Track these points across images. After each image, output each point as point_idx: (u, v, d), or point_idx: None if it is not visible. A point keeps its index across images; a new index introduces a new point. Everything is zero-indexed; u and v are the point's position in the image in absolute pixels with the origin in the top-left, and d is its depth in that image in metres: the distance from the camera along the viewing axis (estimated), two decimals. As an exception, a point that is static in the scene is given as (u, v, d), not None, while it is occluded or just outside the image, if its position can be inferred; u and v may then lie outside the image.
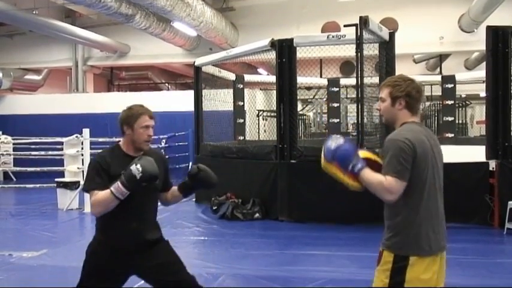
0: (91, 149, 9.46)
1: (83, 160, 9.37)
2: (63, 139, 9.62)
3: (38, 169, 10.30)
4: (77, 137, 9.39)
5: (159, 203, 3.08)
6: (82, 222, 8.31)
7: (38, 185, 9.94)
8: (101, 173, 2.75)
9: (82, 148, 9.32)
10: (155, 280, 2.89)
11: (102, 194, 2.67)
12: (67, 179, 9.38)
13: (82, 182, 9.15)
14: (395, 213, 2.44)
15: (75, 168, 9.41)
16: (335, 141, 2.50)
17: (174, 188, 3.05)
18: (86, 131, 9.21)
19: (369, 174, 2.41)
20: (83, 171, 9.29)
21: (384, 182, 2.35)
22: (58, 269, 5.39)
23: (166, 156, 13.45)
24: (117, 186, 2.62)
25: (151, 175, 2.61)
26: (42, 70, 17.24)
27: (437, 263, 2.43)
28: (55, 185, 9.29)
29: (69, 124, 12.32)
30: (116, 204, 2.66)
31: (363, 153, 2.56)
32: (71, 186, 9.14)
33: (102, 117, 13.93)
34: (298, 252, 5.94)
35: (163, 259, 2.88)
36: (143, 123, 2.82)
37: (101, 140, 10.70)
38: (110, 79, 19.63)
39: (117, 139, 11.88)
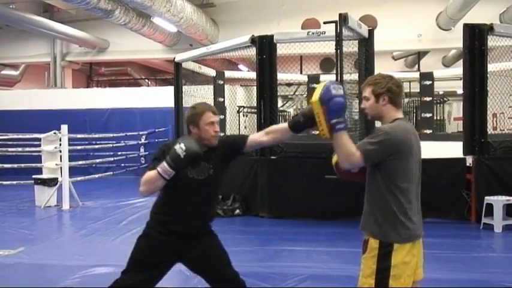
0: (69, 145, 9.36)
1: (61, 157, 9.27)
2: (41, 135, 9.48)
3: (15, 166, 10.14)
4: (55, 133, 9.27)
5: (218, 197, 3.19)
6: (60, 220, 8.22)
7: (15, 182, 9.79)
8: (161, 158, 2.78)
9: (60, 144, 9.20)
10: (199, 270, 3.02)
11: (149, 173, 2.75)
12: (45, 175, 9.25)
13: (60, 179, 9.07)
14: (381, 201, 2.59)
15: (53, 164, 9.29)
16: (336, 89, 2.52)
17: (283, 125, 2.92)
18: (64, 127, 9.10)
19: (344, 139, 2.51)
20: (61, 168, 9.19)
21: (352, 153, 2.49)
22: (35, 267, 5.31)
23: (146, 153, 13.39)
24: (163, 165, 2.69)
25: (195, 153, 2.65)
26: (20, 65, 16.99)
27: (416, 247, 2.61)
28: (32, 181, 9.17)
29: (47, 120, 12.14)
30: (162, 184, 2.74)
31: None
32: (49, 183, 9.04)
33: (81, 113, 13.79)
34: (279, 248, 5.96)
35: (210, 251, 3.00)
36: (208, 119, 2.89)
37: (79, 136, 10.59)
38: (89, 75, 19.42)
39: (96, 135, 11.73)
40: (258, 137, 3.05)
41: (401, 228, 2.56)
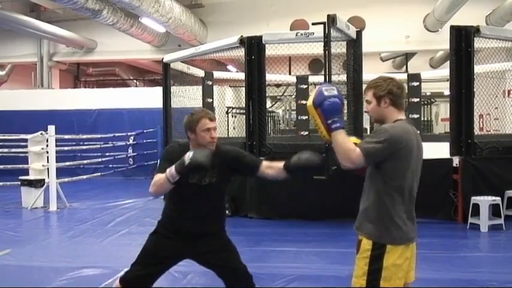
0: (56, 146, 9.29)
1: (48, 158, 9.20)
2: (28, 136, 9.40)
3: (1, 167, 10.04)
4: (41, 134, 9.20)
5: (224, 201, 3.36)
6: (47, 221, 8.15)
7: (1, 183, 9.69)
8: (168, 160, 2.99)
9: (47, 145, 9.13)
10: (208, 264, 3.17)
11: (159, 177, 2.92)
12: (32, 176, 9.17)
13: (47, 180, 9.00)
14: (376, 202, 2.61)
15: (40, 165, 9.22)
16: (329, 90, 2.59)
17: (280, 165, 3.13)
18: (52, 128, 9.03)
19: (342, 137, 2.54)
20: (48, 169, 9.12)
21: (352, 151, 2.50)
22: (22, 269, 5.27)
23: (135, 153, 13.32)
24: (171, 169, 2.85)
25: (198, 164, 2.78)
26: (6, 65, 16.83)
27: (409, 249, 2.65)
28: (19, 183, 9.09)
29: (33, 121, 12.06)
30: (169, 187, 2.90)
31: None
32: (36, 184, 8.96)
33: (68, 114, 13.70)
34: (268, 249, 5.97)
35: (219, 246, 3.15)
36: (204, 126, 3.00)
37: (66, 137, 10.51)
38: (77, 75, 19.29)
39: (84, 136, 11.64)
40: (264, 167, 3.21)
41: (395, 229, 2.57)
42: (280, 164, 3.11)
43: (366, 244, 2.60)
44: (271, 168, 3.19)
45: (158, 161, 3.12)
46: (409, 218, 2.63)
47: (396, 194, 2.58)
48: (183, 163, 2.80)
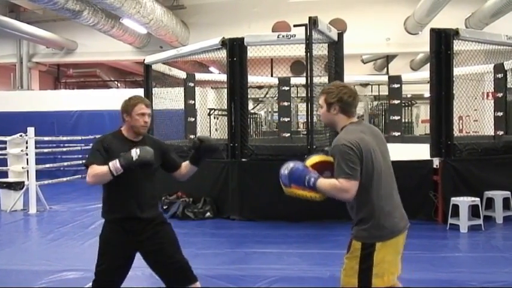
0: (36, 148, 9.17)
1: (27, 160, 9.08)
2: (7, 138, 9.27)
3: (-20, 169, 9.90)
4: (21, 135, 9.07)
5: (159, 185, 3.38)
6: (27, 224, 8.04)
7: (-21, 186, 9.55)
8: (101, 150, 3.14)
9: (27, 147, 9.02)
10: (152, 262, 3.22)
11: (99, 168, 3.03)
12: (11, 179, 9.04)
13: (27, 183, 8.88)
14: (358, 207, 2.68)
15: (19, 168, 9.10)
16: (286, 168, 2.68)
17: (186, 162, 3.43)
18: (31, 130, 8.92)
19: (323, 183, 2.60)
20: (27, 171, 9.00)
21: (338, 185, 2.56)
22: (1, 272, 5.18)
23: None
24: (115, 163, 2.98)
25: (145, 161, 2.97)
26: (-16, 66, 16.55)
27: (400, 241, 2.73)
28: (-2, 185, 8.96)
29: (13, 122, 11.88)
30: (109, 179, 3.02)
31: (313, 159, 2.76)
32: (15, 186, 8.83)
33: (48, 115, 13.52)
34: (250, 251, 5.96)
35: (162, 239, 3.21)
36: (139, 110, 3.20)
37: (46, 139, 10.38)
38: (57, 76, 19.06)
39: (64, 138, 11.54)
40: (181, 168, 3.44)
41: (382, 227, 2.64)
42: (186, 163, 3.44)
43: (356, 244, 2.67)
44: (183, 168, 3.45)
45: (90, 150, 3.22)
46: (394, 209, 2.70)
47: (370, 192, 2.63)
48: (130, 158, 2.95)
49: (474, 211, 6.80)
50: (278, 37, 7.70)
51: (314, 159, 2.77)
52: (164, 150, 3.40)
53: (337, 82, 2.88)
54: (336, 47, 7.82)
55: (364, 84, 16.16)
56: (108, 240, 3.19)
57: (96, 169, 3.04)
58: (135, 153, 2.96)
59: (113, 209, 3.21)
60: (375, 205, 2.63)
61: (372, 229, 2.62)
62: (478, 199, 6.80)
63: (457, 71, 7.89)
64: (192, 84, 11.27)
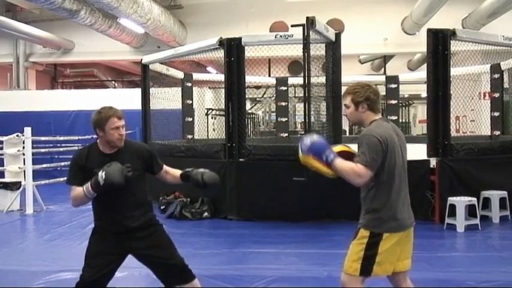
0: (33, 148, 9.15)
1: (24, 160, 9.06)
2: (3, 138, 9.25)
3: (-24, 169, 9.88)
4: (17, 135, 9.06)
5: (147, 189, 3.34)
6: (23, 224, 8.03)
7: (-24, 186, 9.52)
8: (77, 170, 3.11)
9: (23, 147, 9.00)
10: (147, 261, 3.20)
11: (77, 191, 3.05)
12: (7, 179, 9.03)
13: (23, 183, 8.86)
14: (374, 196, 2.86)
15: (16, 168, 9.08)
16: (310, 138, 2.89)
17: (177, 173, 3.39)
18: (28, 130, 8.90)
19: (341, 162, 2.80)
20: (24, 171, 8.98)
21: (355, 168, 2.75)
22: (-2, 272, 5.18)
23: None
24: (87, 186, 2.98)
25: (112, 183, 2.90)
26: (-20, 66, 16.52)
27: (405, 237, 2.94)
28: (-6, 185, 8.94)
29: (9, 122, 11.86)
30: (89, 201, 3.08)
31: (337, 148, 2.98)
32: (12, 186, 8.81)
33: (45, 115, 13.49)
34: (247, 251, 5.96)
35: (155, 242, 3.18)
36: (113, 125, 3.08)
37: (43, 138, 10.36)
38: (54, 76, 19.02)
39: (61, 138, 11.50)
40: (164, 172, 3.39)
41: (392, 220, 2.83)
42: (177, 173, 3.38)
43: (364, 232, 2.85)
44: (168, 173, 3.41)
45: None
46: (405, 205, 2.90)
47: (389, 185, 2.82)
48: (98, 183, 2.91)
49: (471, 211, 6.81)
50: (276, 37, 7.70)
51: (339, 147, 3.00)
52: (147, 157, 3.28)
53: (361, 82, 3.06)
54: (333, 47, 7.83)
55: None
56: (98, 244, 3.17)
57: (75, 192, 3.06)
58: (100, 177, 2.90)
59: (99, 217, 3.22)
60: (390, 198, 2.82)
61: (383, 219, 2.81)
62: (474, 199, 6.81)
63: (454, 71, 7.91)
64: (189, 84, 11.27)
